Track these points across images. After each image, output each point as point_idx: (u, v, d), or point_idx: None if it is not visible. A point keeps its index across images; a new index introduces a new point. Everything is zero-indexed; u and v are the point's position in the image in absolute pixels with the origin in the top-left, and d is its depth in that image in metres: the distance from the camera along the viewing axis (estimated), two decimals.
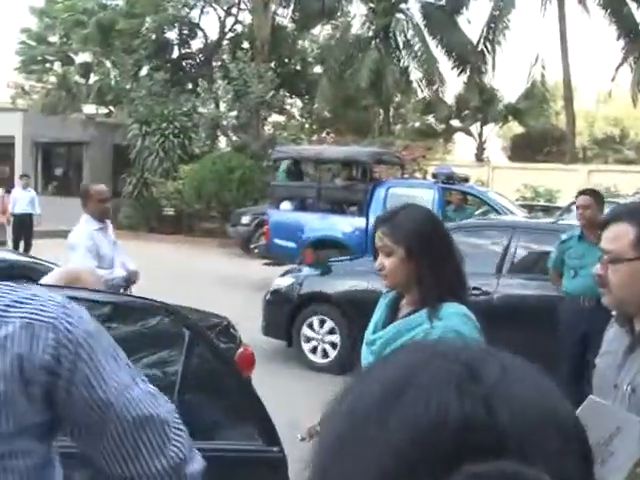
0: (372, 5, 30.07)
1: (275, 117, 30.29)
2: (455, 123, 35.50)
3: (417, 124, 37.66)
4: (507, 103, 34.19)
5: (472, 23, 36.27)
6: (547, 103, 35.70)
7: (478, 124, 34.85)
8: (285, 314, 9.04)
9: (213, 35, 32.71)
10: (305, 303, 9.07)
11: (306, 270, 9.61)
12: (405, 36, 30.43)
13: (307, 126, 34.70)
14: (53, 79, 34.28)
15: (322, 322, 8.92)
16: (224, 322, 5.39)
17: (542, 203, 21.43)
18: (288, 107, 34.07)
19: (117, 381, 1.46)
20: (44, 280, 2.58)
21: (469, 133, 35.63)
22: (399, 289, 2.77)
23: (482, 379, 0.61)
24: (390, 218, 2.72)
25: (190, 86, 30.82)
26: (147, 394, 1.50)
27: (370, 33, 30.22)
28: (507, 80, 65.11)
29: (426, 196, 13.61)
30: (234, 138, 26.72)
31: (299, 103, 36.26)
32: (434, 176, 14.61)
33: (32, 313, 1.43)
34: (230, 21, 32.52)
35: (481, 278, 7.31)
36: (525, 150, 33.06)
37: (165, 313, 2.50)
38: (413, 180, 17.26)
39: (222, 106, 27.20)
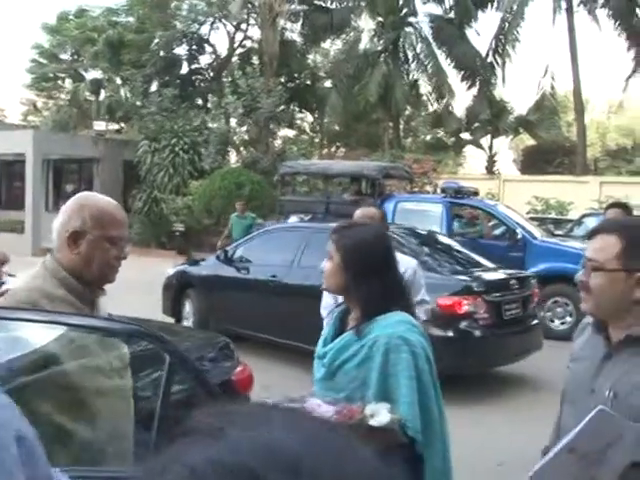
0: (381, 19, 30.08)
1: (285, 131, 30.35)
2: (465, 136, 35.43)
3: (428, 137, 37.63)
4: (517, 115, 34.11)
5: (481, 35, 36.21)
6: (558, 115, 35.59)
7: (488, 137, 34.77)
8: (170, 296, 11.34)
9: (223, 50, 32.91)
10: (182, 288, 11.26)
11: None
12: (414, 49, 30.42)
13: (317, 140, 34.74)
14: (64, 96, 34.47)
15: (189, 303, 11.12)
16: (223, 341, 5.34)
17: (553, 216, 21.33)
18: (298, 122, 34.14)
19: None
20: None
21: (479, 146, 35.55)
22: (332, 291, 3.00)
23: None
24: (344, 229, 2.94)
25: (200, 101, 30.95)
26: None
27: (379, 47, 30.21)
28: (517, 92, 65.14)
29: (434, 210, 13.54)
30: (244, 153, 26.74)
31: (309, 117, 36.33)
32: (442, 190, 14.51)
33: None
34: (239, 36, 32.71)
35: (278, 268, 9.61)
36: (536, 162, 32.91)
37: (146, 337, 2.44)
38: (421, 195, 17.19)
39: (232, 121, 27.23)
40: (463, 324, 8.13)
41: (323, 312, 5.51)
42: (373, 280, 2.79)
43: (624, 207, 6.70)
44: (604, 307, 2.24)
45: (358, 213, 5.00)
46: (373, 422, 2.48)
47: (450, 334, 8.02)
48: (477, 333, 8.23)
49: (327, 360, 2.83)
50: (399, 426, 2.56)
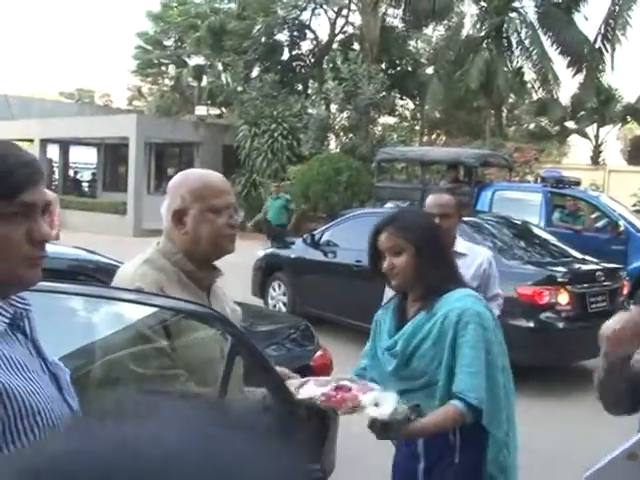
0: (484, 4, 29.43)
1: (386, 118, 30.11)
2: (570, 125, 34.36)
3: (531, 126, 36.72)
4: (626, 103, 32.86)
5: (589, 20, 35.00)
6: None
7: (595, 126, 33.64)
8: (259, 278, 11.65)
9: (324, 36, 32.84)
10: (270, 271, 11.56)
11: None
12: (518, 35, 29.55)
13: (418, 128, 34.38)
14: (167, 82, 35.14)
15: (279, 285, 11.41)
16: (303, 325, 5.26)
17: None
18: (399, 108, 33.83)
19: None
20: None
21: (585, 135, 34.45)
22: (406, 287, 2.89)
23: None
24: (394, 220, 2.91)
25: (300, 87, 31.00)
26: None
27: (482, 33, 29.56)
28: (627, 79, 62.82)
29: (533, 200, 13.19)
30: (344, 139, 26.67)
31: (410, 104, 35.95)
32: (543, 180, 14.13)
33: None
34: (340, 22, 32.56)
35: (364, 253, 9.52)
36: None
37: (208, 318, 2.37)
38: (520, 183, 16.78)
39: (332, 107, 27.19)
40: (544, 315, 7.89)
41: None
42: (439, 259, 2.85)
43: None
44: None
45: (430, 200, 4.70)
46: (371, 412, 2.37)
47: (531, 325, 7.81)
48: (559, 325, 7.98)
49: (400, 347, 2.79)
50: (414, 418, 2.49)
